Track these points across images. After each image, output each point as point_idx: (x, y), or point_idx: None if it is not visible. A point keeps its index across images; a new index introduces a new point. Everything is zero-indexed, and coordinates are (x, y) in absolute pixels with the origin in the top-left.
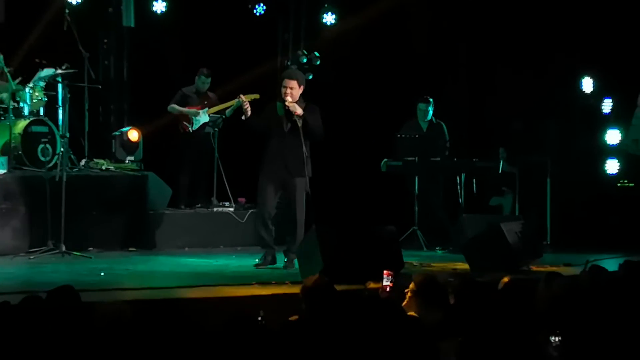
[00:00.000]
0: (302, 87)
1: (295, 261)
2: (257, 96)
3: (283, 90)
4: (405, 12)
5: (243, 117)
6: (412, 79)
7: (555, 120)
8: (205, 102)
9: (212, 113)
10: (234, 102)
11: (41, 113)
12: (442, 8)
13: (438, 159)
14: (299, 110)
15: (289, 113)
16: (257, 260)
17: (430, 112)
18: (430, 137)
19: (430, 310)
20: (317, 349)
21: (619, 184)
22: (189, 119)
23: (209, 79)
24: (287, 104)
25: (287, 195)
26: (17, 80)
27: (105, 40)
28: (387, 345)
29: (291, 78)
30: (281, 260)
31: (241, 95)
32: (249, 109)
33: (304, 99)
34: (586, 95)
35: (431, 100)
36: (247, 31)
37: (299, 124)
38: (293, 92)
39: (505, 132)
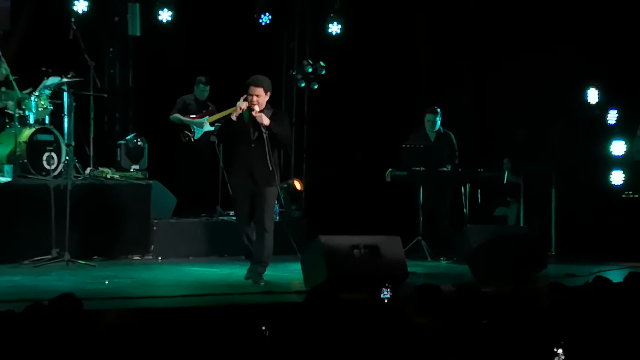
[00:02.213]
0: (268, 93)
1: (264, 275)
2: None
3: (249, 97)
4: (409, 23)
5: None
6: (416, 88)
7: (561, 131)
8: (204, 111)
9: (215, 121)
10: (234, 109)
11: (47, 121)
12: (447, 19)
13: (446, 168)
14: (266, 121)
15: (255, 121)
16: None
17: (438, 123)
18: (436, 147)
19: (434, 319)
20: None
21: (623, 195)
22: (190, 127)
23: (208, 87)
24: (254, 114)
25: (256, 204)
26: (26, 91)
27: (111, 49)
28: (391, 354)
29: (257, 85)
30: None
31: (255, 108)
32: (239, 110)
33: (270, 105)
34: (591, 106)
35: (439, 110)
36: (252, 40)
37: (265, 136)
38: (259, 100)
39: (510, 142)
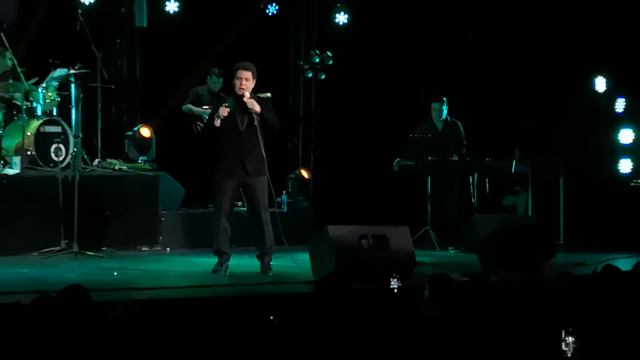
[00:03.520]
0: (254, 80)
1: (272, 264)
2: (268, 95)
3: (237, 82)
4: (416, 12)
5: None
6: (424, 78)
7: (568, 120)
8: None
9: None
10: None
11: (54, 113)
12: (453, 7)
13: (454, 158)
14: (257, 108)
15: (244, 108)
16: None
17: (445, 111)
18: (443, 137)
19: (442, 309)
20: (329, 348)
21: (632, 184)
22: (202, 118)
23: (221, 79)
24: (244, 99)
25: (247, 197)
26: (31, 81)
27: (118, 40)
28: (400, 344)
29: (246, 69)
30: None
31: (246, 94)
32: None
33: (254, 92)
34: (599, 94)
35: (445, 99)
36: (259, 31)
37: (256, 122)
38: (247, 84)
39: (517, 131)
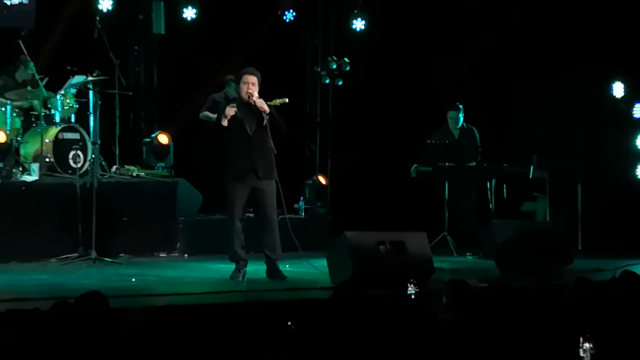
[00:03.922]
0: (259, 85)
1: (280, 267)
2: (285, 100)
3: (244, 87)
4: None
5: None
6: (440, 82)
7: (586, 125)
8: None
9: None
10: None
11: (72, 120)
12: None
13: (472, 164)
14: (266, 107)
15: (252, 113)
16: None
17: (461, 119)
18: (460, 143)
19: (460, 315)
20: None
21: None
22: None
23: None
24: (254, 99)
25: (257, 201)
26: (43, 82)
27: (136, 47)
28: (417, 350)
29: (253, 74)
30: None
31: (254, 93)
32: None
33: (268, 99)
34: (617, 99)
35: (461, 107)
36: (276, 37)
37: (266, 122)
38: (254, 89)
39: (534, 136)
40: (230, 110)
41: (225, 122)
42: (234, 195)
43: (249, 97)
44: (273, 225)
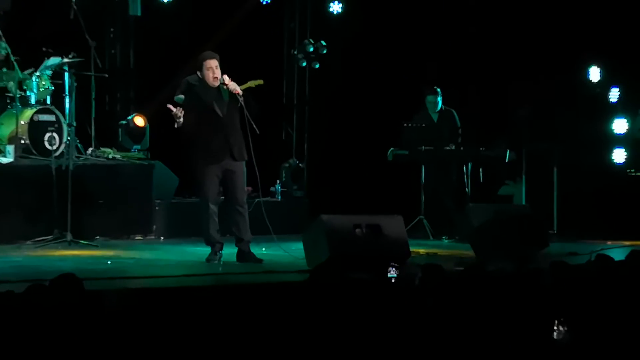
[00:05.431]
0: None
1: (256, 250)
2: (260, 82)
3: (209, 72)
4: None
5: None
6: (418, 67)
7: (562, 110)
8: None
9: None
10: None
11: (48, 102)
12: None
13: (450, 147)
14: (239, 89)
15: (220, 95)
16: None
17: (440, 103)
18: (438, 126)
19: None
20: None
21: (629, 172)
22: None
23: None
24: (226, 83)
25: (229, 182)
26: (27, 72)
27: (112, 29)
28: (394, 333)
29: (212, 58)
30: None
31: (225, 78)
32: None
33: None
34: (593, 84)
35: (439, 90)
36: (253, 20)
37: (241, 103)
38: (218, 72)
39: (512, 120)
40: (175, 116)
41: (177, 125)
42: (207, 177)
43: (220, 82)
44: (244, 207)
